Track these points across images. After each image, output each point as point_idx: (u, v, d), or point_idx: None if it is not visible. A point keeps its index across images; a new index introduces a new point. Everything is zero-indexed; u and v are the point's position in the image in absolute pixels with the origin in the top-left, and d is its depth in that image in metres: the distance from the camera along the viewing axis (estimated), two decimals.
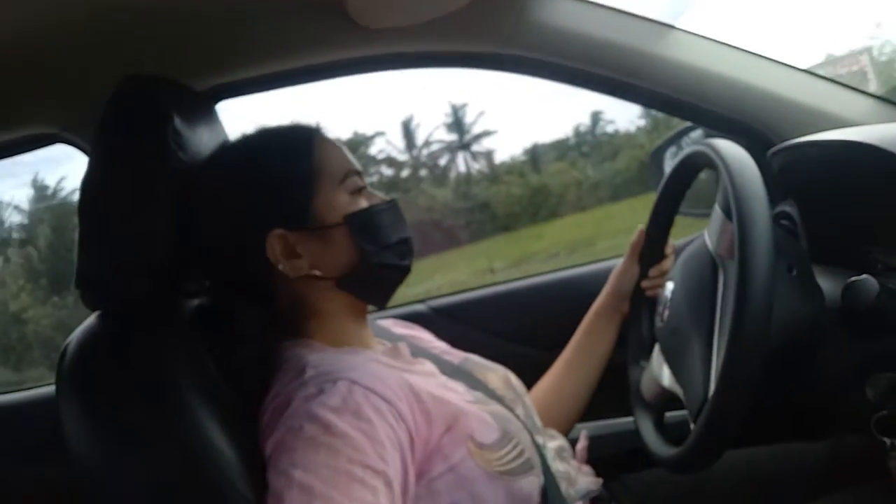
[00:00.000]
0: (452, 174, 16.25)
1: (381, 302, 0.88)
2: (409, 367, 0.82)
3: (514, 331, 1.33)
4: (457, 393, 0.81)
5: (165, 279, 0.83)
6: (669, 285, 0.92)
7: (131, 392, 0.73)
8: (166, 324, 0.80)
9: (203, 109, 0.95)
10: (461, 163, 16.66)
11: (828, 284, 0.81)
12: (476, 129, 17.00)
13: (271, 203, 0.80)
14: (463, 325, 1.33)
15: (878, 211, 0.92)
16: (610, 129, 15.00)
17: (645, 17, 1.12)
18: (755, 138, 1.14)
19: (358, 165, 0.86)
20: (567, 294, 1.34)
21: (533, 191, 13.42)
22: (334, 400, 0.67)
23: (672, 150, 1.48)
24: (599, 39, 1.10)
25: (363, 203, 0.83)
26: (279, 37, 1.07)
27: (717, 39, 1.14)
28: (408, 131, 16.70)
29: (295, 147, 0.83)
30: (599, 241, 9.84)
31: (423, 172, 16.17)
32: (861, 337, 0.77)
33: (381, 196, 0.86)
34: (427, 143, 16.87)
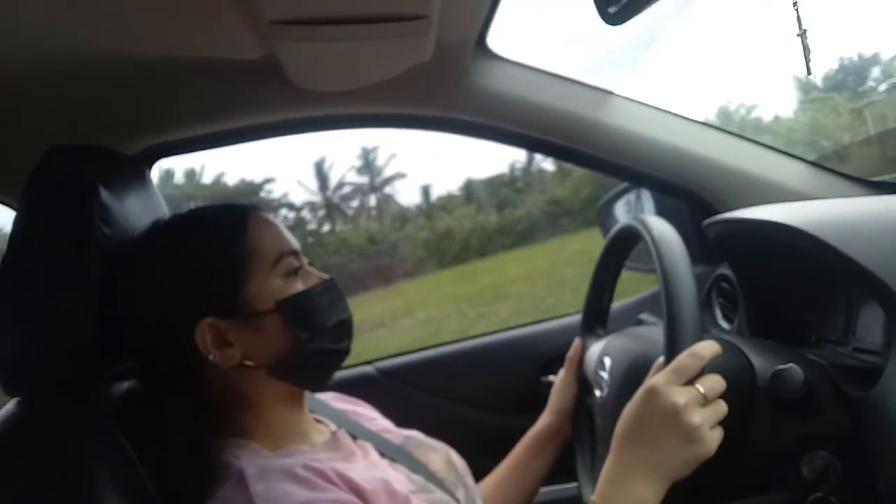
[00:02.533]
0: (364, 216, 16.28)
1: (317, 387, 0.86)
2: (350, 458, 0.80)
3: (461, 393, 1.31)
4: (399, 483, 0.78)
5: (90, 362, 0.79)
6: (607, 361, 0.92)
7: (43, 492, 0.70)
8: (88, 413, 0.77)
9: (134, 176, 0.92)
10: (374, 205, 16.73)
11: (760, 362, 0.82)
12: (388, 172, 17.14)
13: (201, 292, 0.77)
14: (411, 387, 1.32)
15: (806, 284, 0.94)
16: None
17: (585, 83, 1.14)
18: (695, 202, 1.17)
19: (295, 244, 0.83)
20: (516, 354, 1.34)
21: (439, 235, 13.27)
22: None
23: (627, 199, 1.49)
24: (540, 105, 1.11)
25: (298, 286, 0.80)
26: (216, 99, 1.05)
27: (657, 106, 1.16)
28: (320, 172, 16.77)
29: (226, 231, 0.80)
30: (418, 311, 9.61)
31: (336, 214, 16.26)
32: (792, 418, 0.77)
33: (318, 275, 0.83)
34: (340, 185, 16.99)
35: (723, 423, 0.73)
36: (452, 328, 7.93)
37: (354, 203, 16.96)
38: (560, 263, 9.61)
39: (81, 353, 0.78)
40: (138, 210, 0.87)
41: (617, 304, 1.20)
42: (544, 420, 1.08)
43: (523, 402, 1.25)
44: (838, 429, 0.76)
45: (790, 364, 0.75)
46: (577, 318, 1.40)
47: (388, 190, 17.09)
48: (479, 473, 1.03)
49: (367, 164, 17.05)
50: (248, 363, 0.77)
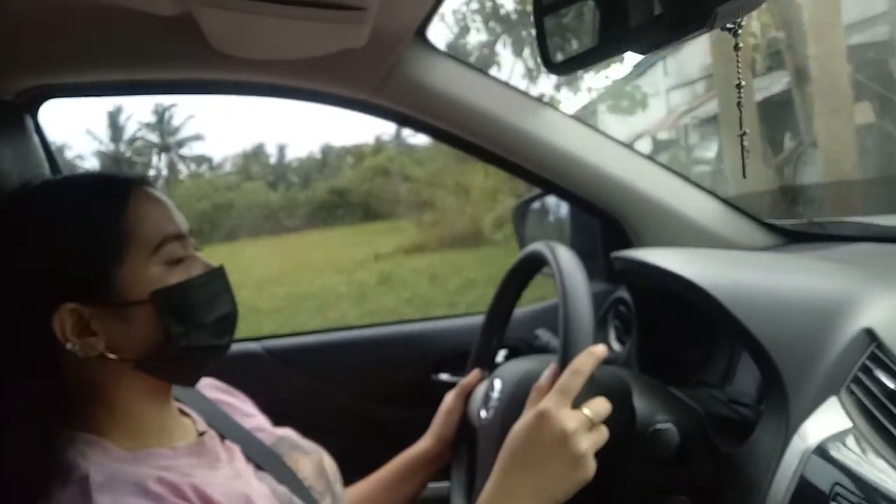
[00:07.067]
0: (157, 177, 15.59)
1: (189, 383, 0.79)
2: (213, 465, 0.75)
3: (349, 382, 1.28)
4: (262, 498, 0.74)
5: None
6: (497, 383, 0.91)
7: None
8: None
9: (9, 124, 0.82)
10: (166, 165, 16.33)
11: (642, 406, 0.84)
12: (185, 133, 16.58)
13: (65, 273, 0.68)
14: (297, 370, 1.27)
15: (695, 325, 0.98)
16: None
17: (520, 90, 1.10)
18: (609, 224, 1.18)
19: (183, 227, 0.76)
20: (409, 348, 1.32)
21: (216, 207, 12.37)
22: None
23: (543, 203, 1.48)
24: (469, 105, 1.07)
25: (179, 276, 0.72)
26: (116, 47, 0.93)
27: (587, 124, 1.14)
28: (114, 122, 15.84)
29: (103, 207, 0.71)
30: None
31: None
32: (659, 467, 0.80)
33: (204, 263, 0.75)
34: (133, 139, 16.18)
35: (598, 452, 0.73)
36: None
37: (143, 158, 16.26)
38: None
39: None
40: (8, 166, 0.78)
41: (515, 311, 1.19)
42: (424, 444, 1.04)
43: (412, 398, 1.25)
44: (703, 479, 0.80)
45: (669, 425, 0.78)
46: (473, 319, 1.40)
47: (183, 151, 16.50)
48: (360, 465, 1.01)
49: (161, 121, 16.33)
50: (111, 356, 0.70)
